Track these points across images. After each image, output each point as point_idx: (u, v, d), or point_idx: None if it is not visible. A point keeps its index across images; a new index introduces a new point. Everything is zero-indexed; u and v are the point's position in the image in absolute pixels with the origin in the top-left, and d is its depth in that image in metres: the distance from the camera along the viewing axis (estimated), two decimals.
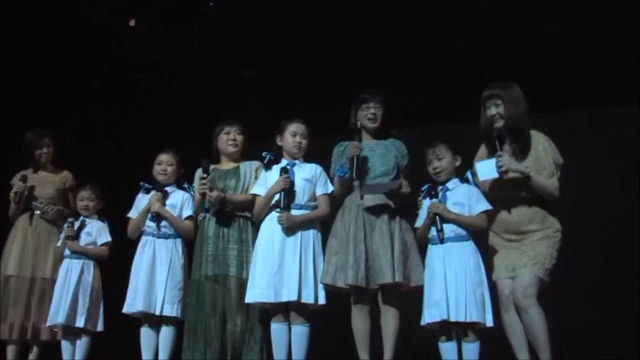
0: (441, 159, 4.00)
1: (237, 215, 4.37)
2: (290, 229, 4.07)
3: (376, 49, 5.56)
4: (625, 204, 5.33)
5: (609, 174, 5.39)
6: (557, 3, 5.19)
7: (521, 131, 3.81)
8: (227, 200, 4.32)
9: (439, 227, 3.85)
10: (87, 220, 4.86)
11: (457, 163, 4.02)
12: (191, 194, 4.56)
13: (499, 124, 3.85)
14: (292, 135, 4.26)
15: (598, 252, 5.24)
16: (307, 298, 3.98)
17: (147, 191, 4.62)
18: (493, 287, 3.87)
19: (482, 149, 4.02)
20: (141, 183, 4.67)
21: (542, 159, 3.79)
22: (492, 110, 3.86)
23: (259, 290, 4.05)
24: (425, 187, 4.03)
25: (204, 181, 4.27)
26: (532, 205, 3.79)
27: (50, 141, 5.13)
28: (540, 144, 3.82)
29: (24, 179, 4.99)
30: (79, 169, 5.26)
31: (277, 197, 4.12)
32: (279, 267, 4.02)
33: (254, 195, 4.28)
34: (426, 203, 4.01)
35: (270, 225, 4.14)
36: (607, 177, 5.39)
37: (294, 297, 3.95)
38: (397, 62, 5.53)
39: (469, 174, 3.98)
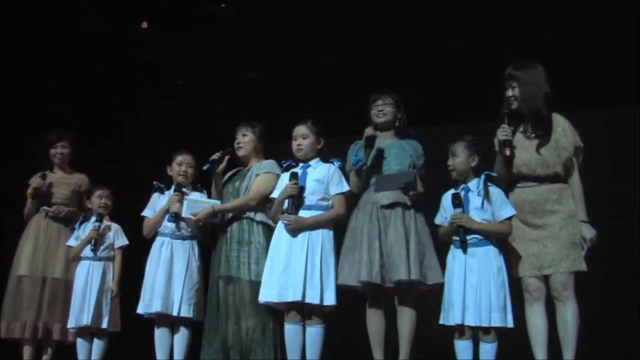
0: (455, 157, 3.96)
1: (240, 217, 4.39)
2: (298, 231, 4.05)
3: (392, 48, 5.60)
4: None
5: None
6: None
7: (539, 113, 3.78)
8: (220, 211, 4.37)
9: (463, 238, 3.81)
10: (107, 222, 4.87)
11: (474, 163, 3.94)
12: (206, 197, 4.57)
13: (514, 106, 3.83)
14: (293, 139, 4.26)
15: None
16: (312, 299, 3.93)
17: (161, 191, 4.63)
18: (514, 281, 3.84)
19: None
20: (154, 182, 4.66)
21: (561, 140, 3.77)
22: (509, 92, 3.85)
23: (265, 290, 4.06)
24: (451, 190, 3.99)
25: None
26: (548, 182, 3.78)
27: (67, 143, 5.15)
28: (560, 125, 3.79)
29: (44, 176, 5.02)
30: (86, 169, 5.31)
31: (286, 202, 4.12)
32: (285, 267, 4.00)
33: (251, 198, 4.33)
34: (446, 201, 3.99)
35: (281, 226, 4.14)
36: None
37: (298, 298, 3.93)
38: (412, 62, 5.57)
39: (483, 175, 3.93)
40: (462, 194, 3.92)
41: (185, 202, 4.38)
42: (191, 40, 6.09)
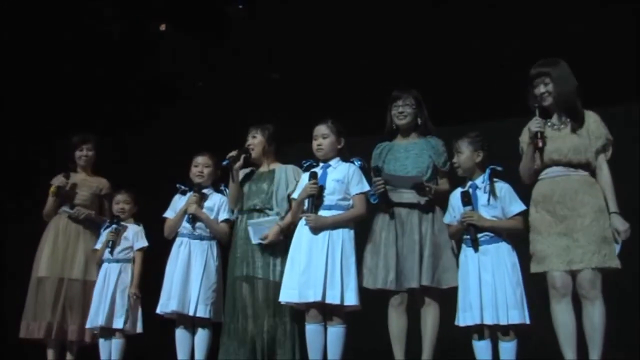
0: (459, 154, 3.97)
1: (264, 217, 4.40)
2: (318, 229, 4.04)
3: (410, 46, 5.57)
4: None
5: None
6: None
7: (574, 107, 3.78)
8: (286, 227, 4.31)
9: (474, 237, 3.80)
10: (125, 224, 4.93)
11: (479, 159, 3.94)
12: (227, 197, 4.60)
13: (548, 102, 3.81)
14: (314, 139, 4.26)
15: None
16: (332, 299, 3.91)
17: (184, 193, 4.66)
18: (530, 277, 3.79)
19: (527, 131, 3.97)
20: (177, 185, 4.71)
21: (595, 130, 3.75)
22: (541, 89, 3.81)
23: (286, 290, 4.05)
24: (459, 189, 3.99)
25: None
26: (580, 169, 3.73)
27: (92, 146, 5.20)
28: (591, 117, 3.80)
29: (67, 175, 5.08)
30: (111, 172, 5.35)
31: (306, 202, 4.11)
32: (306, 267, 3.99)
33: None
34: (454, 200, 3.98)
35: (301, 226, 4.14)
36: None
37: (318, 298, 3.91)
38: (430, 61, 5.54)
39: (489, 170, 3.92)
40: (470, 191, 3.91)
41: (250, 229, 4.34)
42: (204, 40, 6.13)
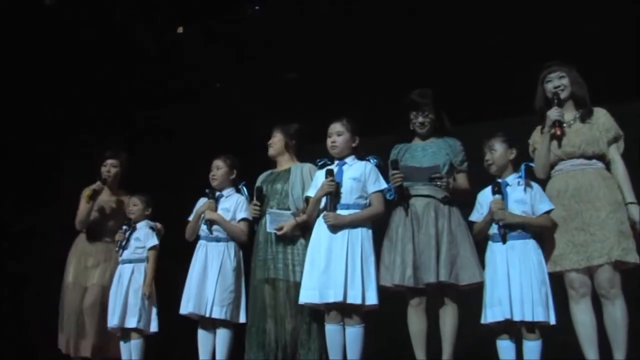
0: (493, 152, 3.99)
1: None
2: (337, 228, 4.02)
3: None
4: None
5: None
6: None
7: (586, 100, 3.88)
8: (302, 223, 4.32)
9: (503, 232, 3.80)
10: (137, 225, 4.91)
11: (512, 156, 3.98)
12: (246, 197, 4.61)
13: (566, 93, 3.89)
14: (328, 136, 4.25)
15: None
16: (354, 299, 3.89)
17: (208, 196, 4.63)
18: (553, 277, 3.78)
19: (537, 131, 4.03)
20: (207, 190, 4.66)
21: (606, 122, 3.83)
22: (556, 82, 3.90)
23: (306, 291, 4.03)
24: (488, 188, 4.00)
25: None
26: (595, 160, 3.78)
27: (118, 162, 5.14)
28: (600, 111, 3.88)
29: (104, 181, 5.02)
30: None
31: (324, 200, 4.10)
32: (326, 267, 3.97)
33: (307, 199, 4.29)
34: (482, 197, 4.01)
35: (319, 226, 4.12)
36: None
37: (339, 298, 3.89)
38: (450, 57, 5.56)
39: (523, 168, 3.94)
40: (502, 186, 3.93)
41: (268, 217, 4.37)
42: (217, 40, 6.11)
